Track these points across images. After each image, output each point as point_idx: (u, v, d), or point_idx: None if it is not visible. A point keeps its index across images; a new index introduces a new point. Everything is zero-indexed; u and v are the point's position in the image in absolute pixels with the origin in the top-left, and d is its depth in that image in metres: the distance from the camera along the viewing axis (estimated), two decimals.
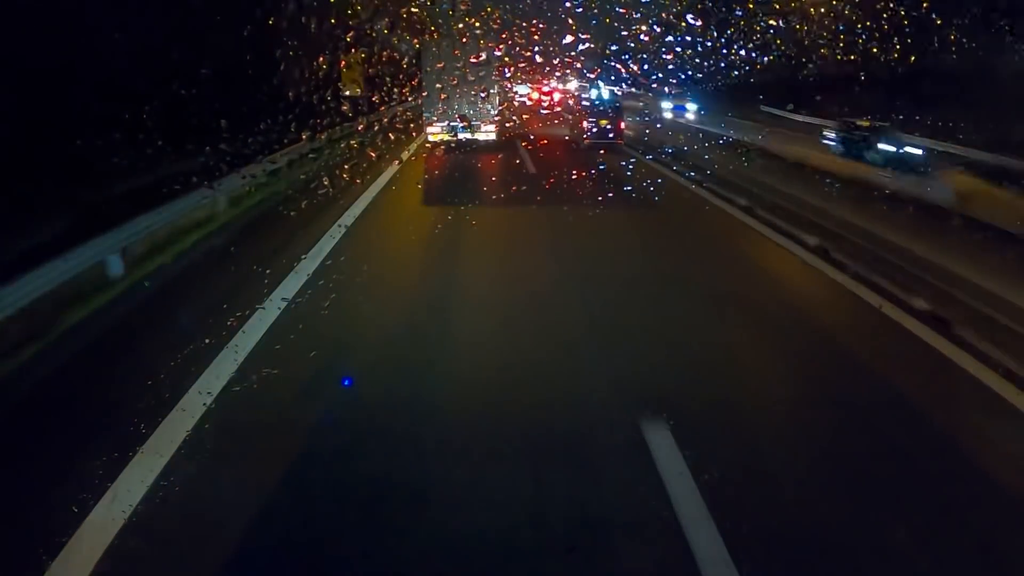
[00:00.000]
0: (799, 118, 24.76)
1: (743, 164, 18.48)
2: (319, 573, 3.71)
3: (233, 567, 3.71)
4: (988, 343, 6.39)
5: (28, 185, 8.47)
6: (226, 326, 6.59)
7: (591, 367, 6.15)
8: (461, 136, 20.39)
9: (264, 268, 8.30)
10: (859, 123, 19.14)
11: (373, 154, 18.62)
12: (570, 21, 21.81)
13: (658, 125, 29.50)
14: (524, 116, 29.02)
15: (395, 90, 24.28)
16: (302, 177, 14.52)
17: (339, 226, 10.99)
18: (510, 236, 11.09)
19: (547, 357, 6.30)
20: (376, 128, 22.73)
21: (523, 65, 26.54)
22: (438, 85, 20.25)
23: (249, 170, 12.19)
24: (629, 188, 15.65)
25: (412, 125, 23.39)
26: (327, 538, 3.86)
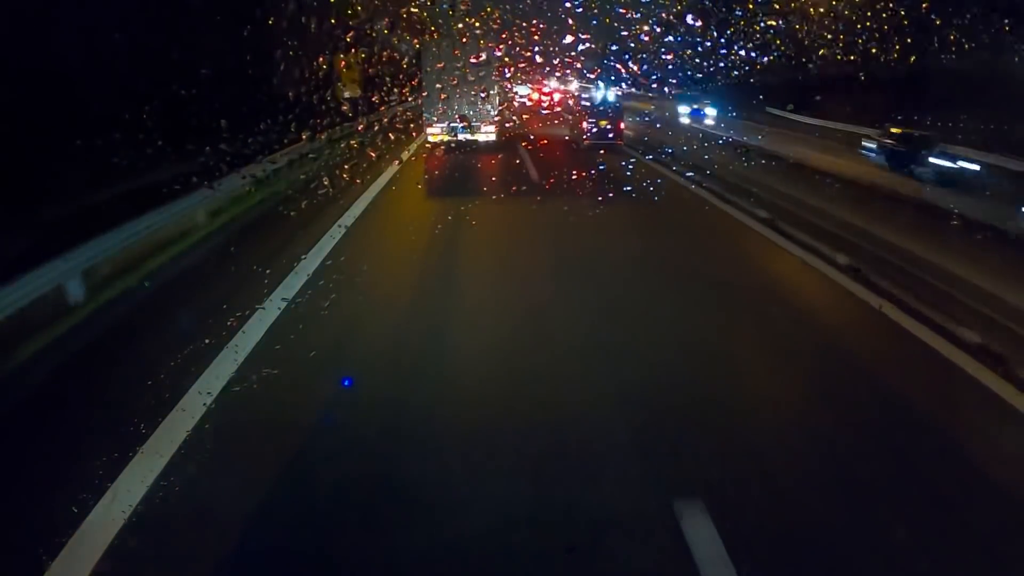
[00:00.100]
0: (817, 122, 23.00)
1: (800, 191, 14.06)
2: (318, 573, 3.71)
3: (233, 567, 3.72)
4: None
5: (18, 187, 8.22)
6: (226, 326, 6.60)
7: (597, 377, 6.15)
8: (461, 137, 20.37)
9: (226, 316, 6.85)
10: (902, 131, 16.94)
11: (373, 154, 18.61)
12: (570, 21, 21.82)
13: (667, 133, 26.48)
14: (524, 116, 29.01)
15: (395, 90, 24.29)
16: (302, 177, 14.52)
17: (339, 226, 11.00)
18: (509, 236, 11.09)
19: (548, 359, 6.29)
20: (376, 128, 22.73)
21: (523, 65, 26.55)
22: (438, 85, 20.24)
23: (249, 170, 12.19)
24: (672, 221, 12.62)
25: (412, 125, 23.39)
26: (327, 538, 3.87)
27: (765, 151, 20.33)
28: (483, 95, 20.44)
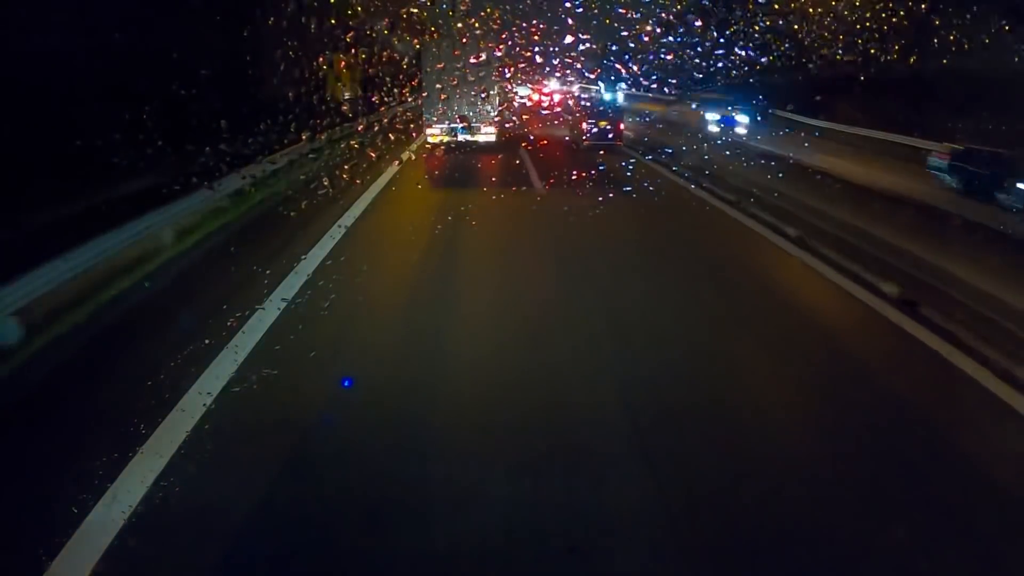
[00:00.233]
0: (853, 130, 20.38)
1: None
2: (318, 573, 3.71)
3: (233, 567, 3.71)
4: None
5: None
6: (226, 326, 6.59)
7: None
8: (461, 137, 20.36)
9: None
10: (982, 150, 14.05)
11: (373, 154, 18.62)
12: (570, 21, 21.85)
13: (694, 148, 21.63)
14: (524, 117, 29.02)
15: (395, 91, 24.30)
16: (301, 177, 14.52)
17: (339, 226, 11.00)
18: (509, 236, 11.08)
19: (548, 359, 6.29)
20: (376, 128, 22.74)
21: (523, 66, 26.56)
22: (438, 86, 20.24)
23: (248, 170, 12.19)
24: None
25: (412, 126, 23.39)
26: (326, 538, 3.86)
27: (809, 166, 17.09)
28: (483, 96, 20.44)
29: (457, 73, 20.24)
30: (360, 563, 3.72)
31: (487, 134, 20.53)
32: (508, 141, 21.70)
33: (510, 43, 22.56)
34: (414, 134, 22.77)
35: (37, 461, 4.50)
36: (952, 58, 17.79)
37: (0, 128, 7.96)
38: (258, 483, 4.35)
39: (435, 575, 3.69)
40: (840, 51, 21.59)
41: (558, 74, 32.88)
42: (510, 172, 17.55)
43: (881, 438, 5.02)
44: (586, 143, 21.10)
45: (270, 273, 8.22)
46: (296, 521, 4.02)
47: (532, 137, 23.37)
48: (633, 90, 35.10)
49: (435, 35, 21.91)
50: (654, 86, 31.69)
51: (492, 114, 20.65)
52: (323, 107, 19.45)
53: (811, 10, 22.60)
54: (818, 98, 22.09)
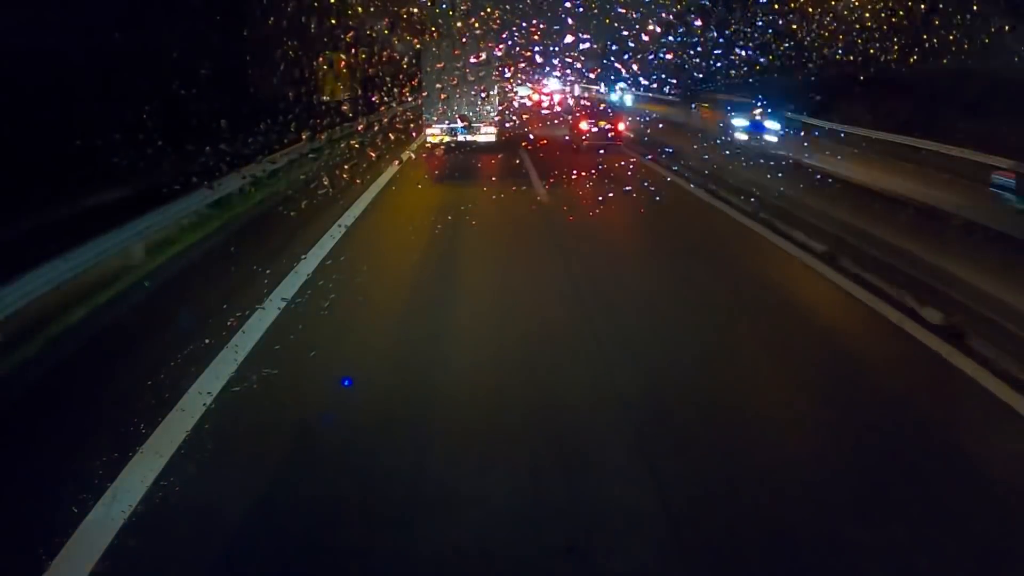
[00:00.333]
0: (888, 136, 17.71)
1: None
2: (318, 573, 3.71)
3: (232, 567, 3.72)
4: None
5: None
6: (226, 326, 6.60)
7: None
8: (461, 137, 20.35)
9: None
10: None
11: (373, 154, 18.62)
12: (570, 21, 21.88)
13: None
14: (524, 116, 29.01)
15: (395, 90, 24.30)
16: (301, 177, 14.53)
17: (339, 226, 11.01)
18: (509, 235, 11.08)
19: (549, 359, 6.29)
20: (376, 128, 22.73)
21: (523, 65, 26.58)
22: (438, 86, 20.24)
23: (248, 170, 12.19)
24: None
25: (412, 125, 23.38)
26: (326, 538, 3.86)
27: (873, 188, 13.90)
28: (483, 95, 20.43)
29: (457, 73, 20.24)
30: (360, 563, 3.72)
31: (487, 134, 20.53)
32: (508, 141, 21.70)
33: (510, 43, 22.58)
34: (414, 134, 22.77)
35: (37, 461, 4.50)
36: (952, 58, 17.66)
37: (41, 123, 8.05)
38: (258, 483, 4.36)
39: (435, 575, 3.69)
40: (840, 51, 21.50)
41: (558, 74, 32.90)
42: (510, 172, 17.55)
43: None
44: (585, 143, 21.11)
45: (270, 274, 8.22)
46: (296, 521, 4.02)
47: (532, 137, 23.37)
48: (641, 91, 33.83)
49: (435, 35, 21.93)
50: (654, 86, 31.62)
51: (492, 114, 20.65)
52: (323, 107, 19.47)
53: (810, 9, 22.55)
54: (817, 98, 21.86)
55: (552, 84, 34.78)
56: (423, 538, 3.86)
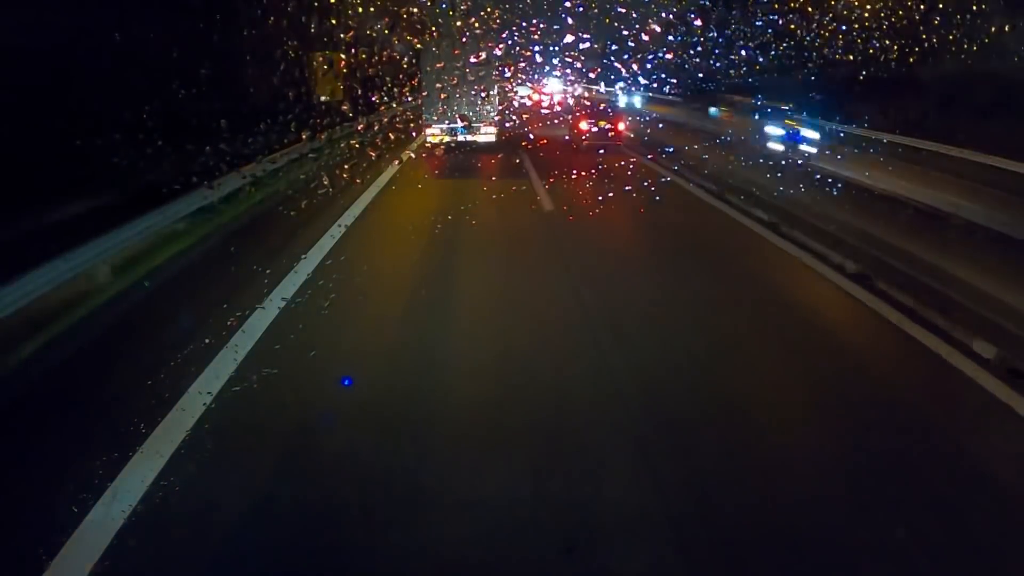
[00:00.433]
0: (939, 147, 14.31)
1: None
2: (318, 573, 3.71)
3: (232, 567, 3.72)
4: None
5: None
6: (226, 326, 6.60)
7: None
8: (460, 137, 20.34)
9: None
10: None
11: (373, 154, 18.62)
12: (570, 21, 21.87)
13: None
14: (524, 116, 29.01)
15: (395, 90, 24.28)
16: (301, 177, 14.52)
17: (339, 225, 11.01)
18: (509, 235, 11.07)
19: (549, 359, 6.29)
20: (376, 128, 22.73)
21: (523, 65, 26.57)
22: (438, 85, 20.23)
23: (248, 170, 12.19)
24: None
25: (412, 125, 23.38)
26: (326, 538, 3.86)
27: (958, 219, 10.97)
28: (483, 95, 20.42)
29: (457, 73, 20.23)
30: (359, 563, 3.72)
31: (487, 134, 20.52)
32: (508, 141, 21.69)
33: (510, 43, 22.57)
34: (414, 134, 22.77)
35: (37, 461, 4.50)
36: (952, 58, 17.53)
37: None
38: (258, 482, 4.36)
39: (435, 575, 3.69)
40: (840, 51, 21.43)
41: (557, 74, 32.89)
42: (510, 172, 17.55)
43: None
44: (585, 143, 21.11)
45: (270, 273, 8.21)
46: (296, 521, 4.03)
47: (532, 136, 23.36)
48: (649, 92, 32.43)
49: (435, 35, 21.93)
50: (655, 86, 31.58)
51: (492, 114, 20.64)
52: (323, 107, 19.47)
53: (809, 9, 22.50)
54: (817, 97, 21.69)
55: (552, 84, 34.77)
56: (423, 538, 3.86)
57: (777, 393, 5.79)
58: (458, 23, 20.93)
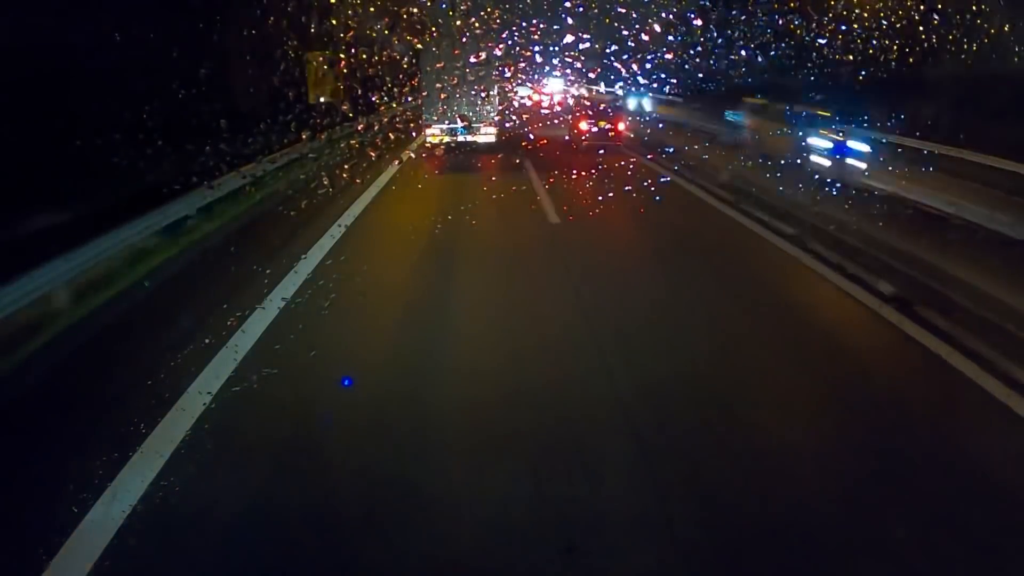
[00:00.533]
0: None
1: None
2: (318, 573, 3.71)
3: (232, 567, 3.72)
4: None
5: None
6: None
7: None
8: (460, 138, 20.33)
9: None
10: None
11: (373, 154, 18.63)
12: (570, 21, 21.86)
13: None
14: (524, 116, 29.01)
15: (395, 90, 24.28)
16: (301, 177, 14.53)
17: (339, 225, 11.02)
18: (509, 236, 11.08)
19: (550, 358, 6.30)
20: (376, 128, 22.74)
21: (523, 65, 26.56)
22: (438, 86, 20.22)
23: (248, 170, 12.20)
24: None
25: (412, 125, 23.38)
26: (325, 538, 3.86)
27: None
28: (483, 95, 20.41)
29: (457, 73, 20.22)
30: (359, 563, 3.73)
31: (487, 134, 20.50)
32: (508, 141, 21.69)
33: (510, 43, 22.56)
34: (414, 134, 22.78)
35: (37, 460, 4.50)
36: (951, 58, 17.45)
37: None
38: (257, 482, 4.36)
39: (435, 575, 3.69)
40: (839, 51, 21.38)
41: (558, 74, 32.88)
42: (510, 172, 17.54)
43: None
44: (585, 143, 21.12)
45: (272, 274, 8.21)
46: (295, 520, 4.03)
47: (532, 136, 23.35)
48: (660, 93, 31.32)
49: (435, 35, 21.93)
50: (654, 86, 31.53)
51: (492, 114, 20.63)
52: (323, 107, 19.47)
53: (810, 8, 22.46)
54: (817, 97, 21.57)
55: (553, 84, 34.76)
56: (423, 538, 3.86)
57: None
58: (458, 23, 20.92)
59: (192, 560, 3.74)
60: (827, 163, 15.38)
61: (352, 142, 19.07)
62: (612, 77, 32.19)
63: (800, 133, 16.93)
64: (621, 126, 21.52)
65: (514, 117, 26.49)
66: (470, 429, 5.02)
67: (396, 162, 17.78)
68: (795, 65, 23.19)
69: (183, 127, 10.31)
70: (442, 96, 20.25)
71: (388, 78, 24.40)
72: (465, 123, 20.24)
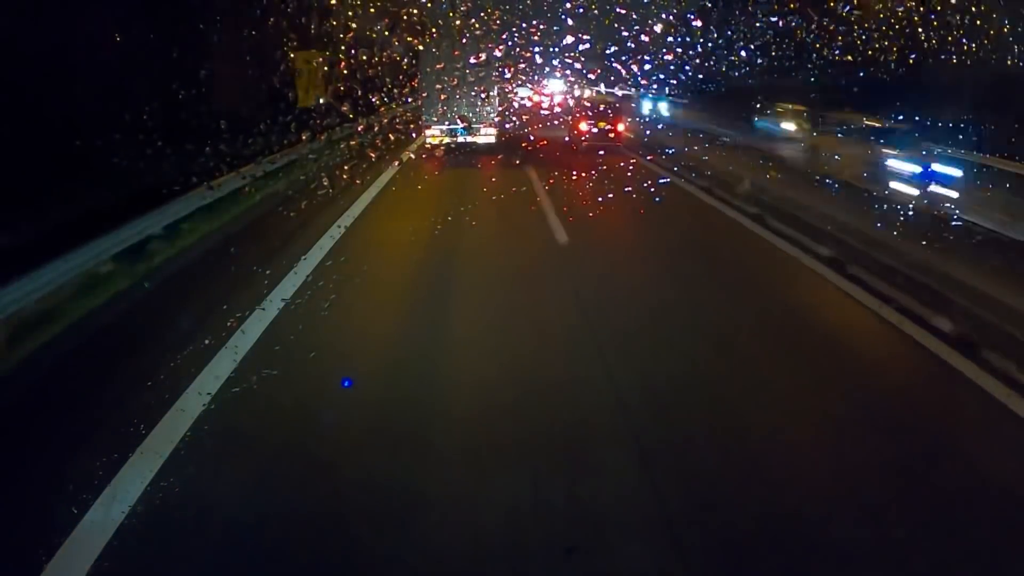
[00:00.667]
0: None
1: None
2: (318, 573, 3.70)
3: (232, 567, 3.71)
4: None
5: None
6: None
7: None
8: (460, 139, 20.32)
9: None
10: None
11: (373, 155, 18.63)
12: (570, 21, 21.89)
13: None
14: (524, 117, 29.02)
15: (394, 91, 24.29)
16: (301, 177, 14.53)
17: (339, 226, 11.01)
18: (509, 236, 11.07)
19: (550, 359, 6.29)
20: (376, 129, 22.75)
21: (523, 66, 26.58)
22: (437, 86, 20.21)
23: (249, 170, 12.20)
24: None
25: (412, 126, 23.39)
26: (325, 538, 3.86)
27: None
28: (483, 96, 20.39)
29: (457, 74, 20.20)
30: (359, 563, 3.72)
31: (487, 135, 20.48)
32: (508, 142, 21.69)
33: (510, 44, 22.57)
34: (414, 135, 22.78)
35: (37, 461, 4.50)
36: (949, 59, 17.40)
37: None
38: (257, 483, 4.35)
39: (435, 575, 3.69)
40: (838, 51, 21.35)
41: (558, 74, 32.91)
42: (510, 172, 17.54)
43: None
44: (585, 144, 21.12)
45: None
46: (295, 521, 4.02)
47: (532, 137, 23.35)
48: (674, 95, 29.70)
49: (435, 35, 21.93)
50: (654, 87, 31.54)
51: (492, 115, 20.60)
52: (323, 107, 19.49)
53: (810, 9, 22.45)
54: (815, 96, 21.48)
55: (553, 85, 34.77)
56: (423, 539, 3.86)
57: None
58: (458, 24, 20.94)
59: (191, 561, 3.73)
60: (913, 191, 12.50)
61: (352, 143, 19.07)
62: (612, 78, 32.23)
63: (878, 153, 13.79)
64: (621, 127, 21.52)
65: (514, 118, 26.50)
66: (470, 429, 5.01)
67: (396, 163, 17.78)
68: (795, 66, 23.14)
69: (183, 127, 10.31)
70: (442, 97, 20.24)
71: (388, 79, 24.42)
72: (465, 124, 20.23)
